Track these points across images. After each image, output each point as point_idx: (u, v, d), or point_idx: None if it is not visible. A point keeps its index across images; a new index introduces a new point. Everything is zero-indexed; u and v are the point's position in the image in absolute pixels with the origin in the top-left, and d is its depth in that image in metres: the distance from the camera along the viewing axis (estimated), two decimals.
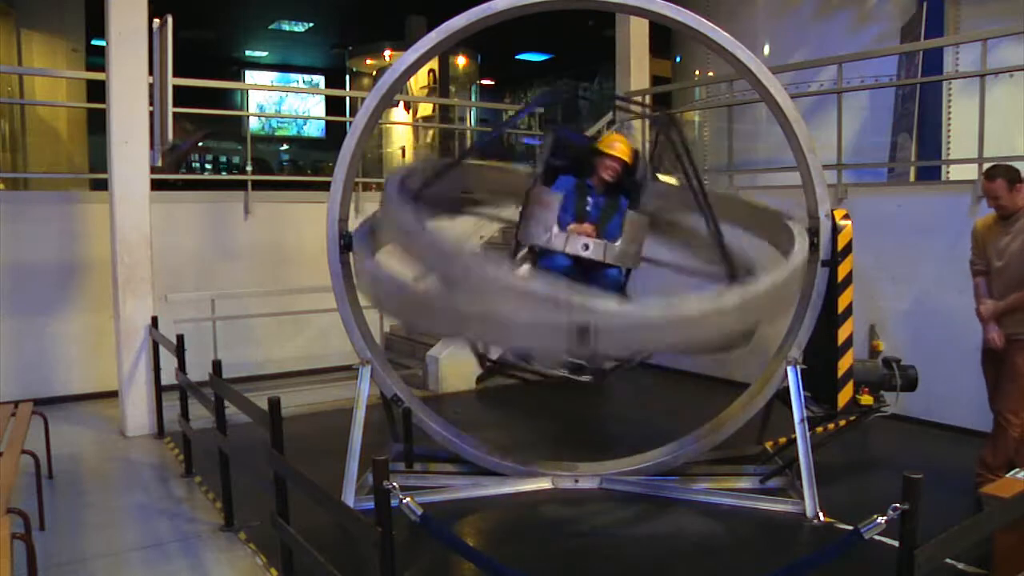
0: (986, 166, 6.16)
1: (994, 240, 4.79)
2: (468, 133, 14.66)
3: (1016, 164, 6.37)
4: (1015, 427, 4.72)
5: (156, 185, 6.93)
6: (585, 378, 4.87)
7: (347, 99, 18.30)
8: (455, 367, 7.89)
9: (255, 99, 18.35)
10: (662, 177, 5.46)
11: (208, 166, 19.07)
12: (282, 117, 20.26)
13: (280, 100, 21.03)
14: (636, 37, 10.02)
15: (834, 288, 5.03)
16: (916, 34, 8.01)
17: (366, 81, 17.54)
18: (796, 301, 4.94)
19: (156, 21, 6.21)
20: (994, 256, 4.76)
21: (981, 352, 4.94)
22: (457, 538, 3.35)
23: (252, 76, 21.05)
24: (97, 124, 8.06)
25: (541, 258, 5.05)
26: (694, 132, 10.59)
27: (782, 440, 5.37)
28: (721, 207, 4.94)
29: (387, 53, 16.58)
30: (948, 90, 7.99)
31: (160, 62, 6.17)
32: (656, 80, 11.47)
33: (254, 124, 19.50)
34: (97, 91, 7.60)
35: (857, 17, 9.04)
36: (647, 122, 8.79)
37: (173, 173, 9.71)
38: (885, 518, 2.64)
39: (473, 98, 17.86)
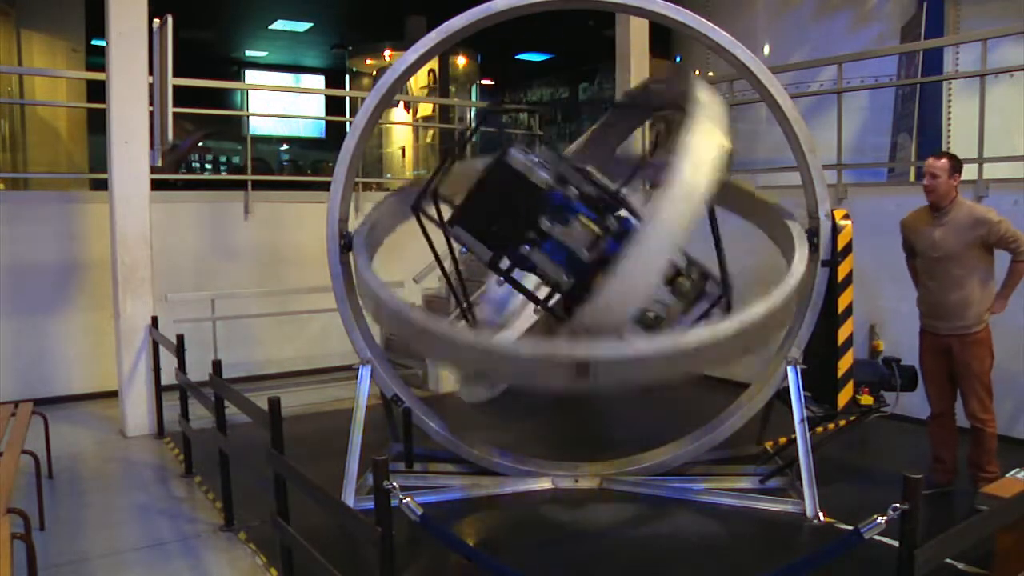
0: (986, 166, 6.20)
1: (924, 231, 4.85)
2: (468, 133, 14.62)
3: (1016, 164, 6.39)
4: (990, 424, 4.76)
5: (156, 185, 6.93)
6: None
7: (347, 99, 18.29)
8: None
9: (269, 100, 18.24)
10: None
11: (208, 166, 19.02)
12: (280, 117, 20.20)
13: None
14: (636, 37, 10.00)
15: (834, 288, 5.03)
16: (916, 34, 8.01)
17: (366, 81, 17.53)
18: (793, 314, 4.94)
19: (156, 21, 6.22)
20: (929, 248, 4.83)
21: (924, 353, 4.98)
22: (457, 538, 3.35)
23: (252, 76, 21.03)
24: (97, 124, 8.05)
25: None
26: None
27: (782, 440, 5.38)
28: (722, 194, 4.72)
29: (387, 53, 16.58)
30: (948, 90, 7.98)
31: (160, 62, 6.18)
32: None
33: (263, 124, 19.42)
34: (97, 91, 7.59)
35: (857, 17, 9.03)
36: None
37: (173, 173, 9.72)
38: (885, 518, 2.64)
39: (473, 98, 17.84)
